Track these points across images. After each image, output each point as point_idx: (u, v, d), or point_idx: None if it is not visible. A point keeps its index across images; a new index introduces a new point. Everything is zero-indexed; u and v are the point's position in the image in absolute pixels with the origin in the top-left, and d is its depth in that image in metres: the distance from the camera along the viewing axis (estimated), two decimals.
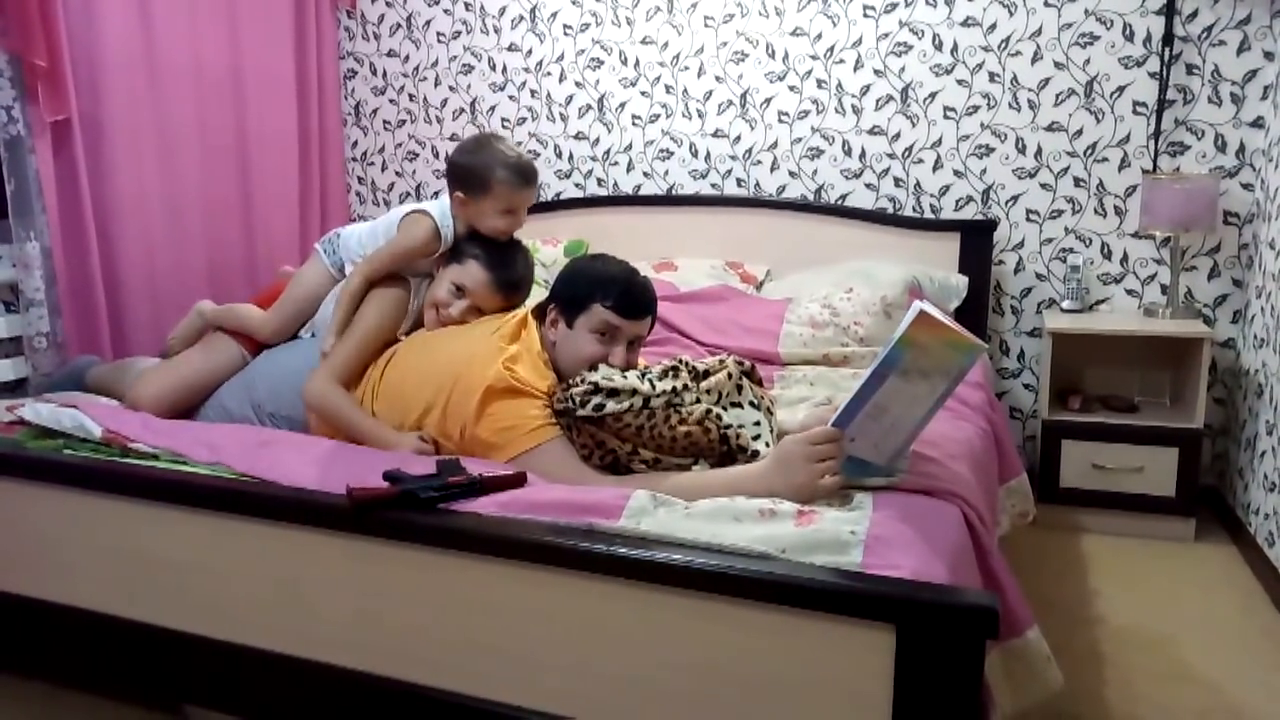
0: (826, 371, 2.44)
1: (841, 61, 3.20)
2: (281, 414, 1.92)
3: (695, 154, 3.43)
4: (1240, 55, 2.82)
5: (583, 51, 3.51)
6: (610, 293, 1.67)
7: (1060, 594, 2.40)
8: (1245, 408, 2.79)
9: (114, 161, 2.86)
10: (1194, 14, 2.84)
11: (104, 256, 2.83)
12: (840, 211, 3.20)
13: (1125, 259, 3.03)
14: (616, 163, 3.54)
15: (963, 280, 2.98)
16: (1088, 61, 2.96)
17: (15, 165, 2.56)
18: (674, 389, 1.54)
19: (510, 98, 3.64)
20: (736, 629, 1.23)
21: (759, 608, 1.21)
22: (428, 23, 3.70)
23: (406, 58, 3.77)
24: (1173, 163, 2.93)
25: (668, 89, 3.43)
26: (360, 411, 1.78)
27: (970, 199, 3.15)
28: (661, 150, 3.47)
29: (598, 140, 3.55)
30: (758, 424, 1.60)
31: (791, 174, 3.32)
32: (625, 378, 1.54)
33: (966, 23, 3.06)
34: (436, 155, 3.79)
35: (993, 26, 3.03)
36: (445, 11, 3.67)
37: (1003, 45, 3.03)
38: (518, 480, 1.48)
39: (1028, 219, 3.10)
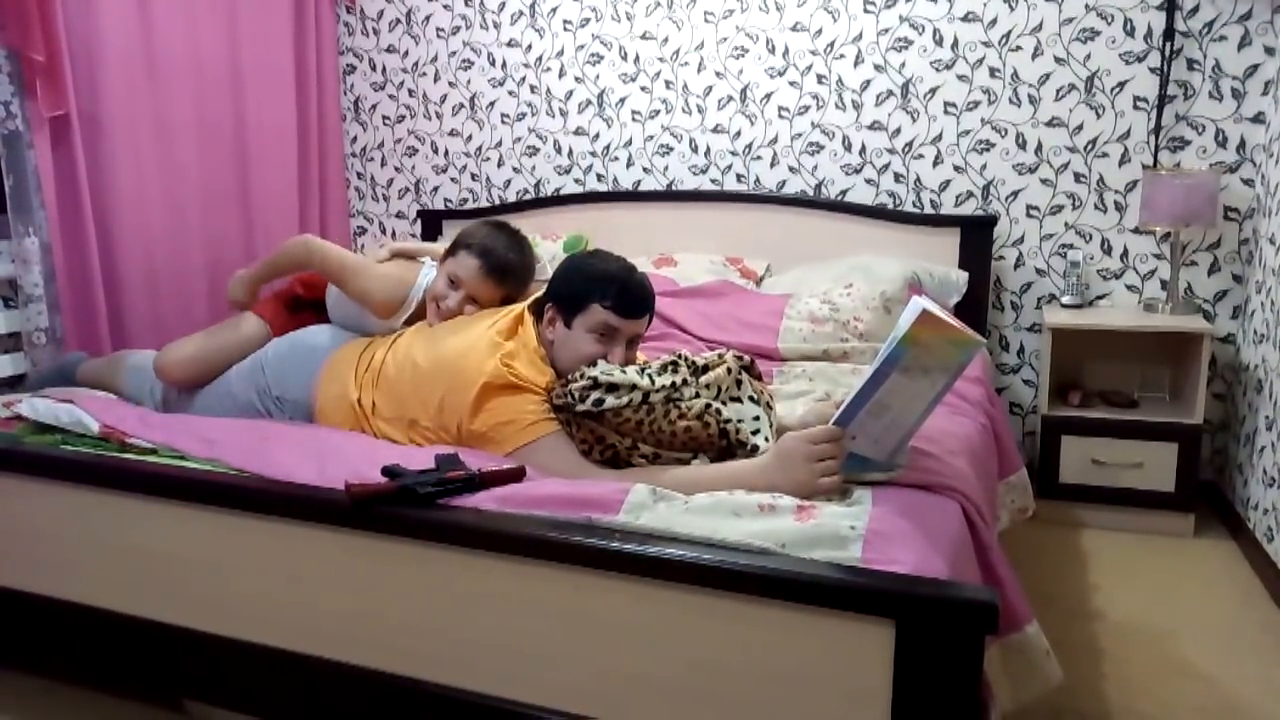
0: (826, 367, 2.44)
1: (842, 57, 3.20)
2: (288, 398, 1.92)
3: (695, 149, 3.43)
4: (1241, 50, 2.81)
5: (582, 47, 3.50)
6: (609, 292, 1.67)
7: (1059, 589, 2.40)
8: (1245, 403, 2.79)
9: (113, 157, 2.85)
10: (1195, 9, 2.83)
11: (103, 252, 2.83)
12: (840, 207, 3.20)
13: (1125, 254, 3.03)
14: (616, 158, 3.53)
15: (963, 276, 2.97)
16: (1088, 57, 2.95)
17: (14, 161, 2.56)
18: (673, 384, 1.54)
19: (510, 93, 3.63)
20: (736, 624, 1.23)
21: (758, 603, 1.21)
22: (427, 18, 3.70)
23: (406, 53, 3.76)
24: (1173, 158, 2.92)
25: (668, 84, 3.42)
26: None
27: (970, 194, 3.14)
28: (661, 146, 3.47)
29: (598, 136, 3.54)
30: (757, 419, 1.59)
31: (791, 169, 3.32)
32: (625, 373, 1.54)
33: (967, 18, 3.05)
34: (436, 151, 3.78)
35: (993, 21, 3.03)
36: (445, 7, 3.66)
37: (1003, 40, 3.03)
38: (516, 475, 1.47)
39: (1028, 214, 3.10)
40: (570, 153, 3.59)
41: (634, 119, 3.48)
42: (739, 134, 3.36)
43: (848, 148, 3.24)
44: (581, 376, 1.55)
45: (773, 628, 1.21)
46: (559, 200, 3.52)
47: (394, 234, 3.90)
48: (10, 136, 2.55)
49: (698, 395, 1.56)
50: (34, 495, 1.71)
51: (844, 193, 3.27)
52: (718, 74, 3.35)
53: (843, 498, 1.42)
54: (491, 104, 3.67)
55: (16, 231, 2.57)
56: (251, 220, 3.38)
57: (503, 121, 3.66)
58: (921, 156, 3.17)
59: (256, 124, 3.37)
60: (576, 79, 3.53)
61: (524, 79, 3.60)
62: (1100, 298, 3.07)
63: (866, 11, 3.14)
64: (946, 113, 3.12)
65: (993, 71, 3.05)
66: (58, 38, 2.57)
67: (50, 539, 1.72)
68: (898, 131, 3.18)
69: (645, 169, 3.50)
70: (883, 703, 1.16)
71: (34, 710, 1.86)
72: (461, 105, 3.71)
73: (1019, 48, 3.02)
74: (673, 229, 3.37)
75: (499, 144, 3.68)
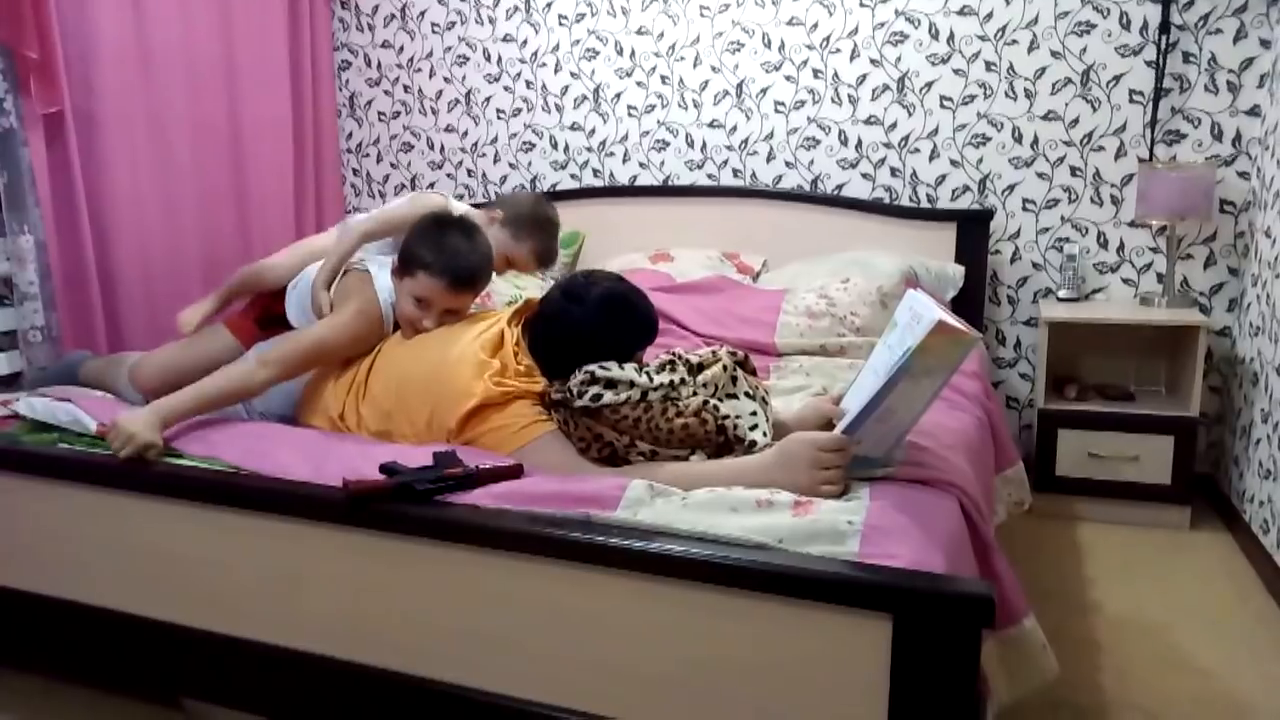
0: (823, 362, 2.44)
1: (838, 51, 3.20)
2: (272, 413, 1.93)
3: (691, 144, 3.42)
4: (1237, 43, 2.81)
5: (578, 42, 3.49)
6: (648, 335, 1.66)
7: (1056, 582, 2.41)
8: (1240, 396, 2.80)
9: (107, 154, 2.84)
10: (1190, 2, 2.83)
11: (98, 249, 2.83)
12: (837, 202, 3.20)
13: (1121, 248, 3.03)
14: (612, 154, 3.53)
15: (959, 270, 2.98)
16: (1084, 50, 2.95)
17: (8, 158, 2.55)
18: (671, 382, 1.54)
19: (505, 89, 3.63)
20: (733, 619, 1.23)
21: (756, 598, 1.21)
22: (422, 13, 3.69)
23: (401, 49, 3.75)
24: (1169, 151, 2.93)
25: (663, 79, 3.41)
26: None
27: (967, 188, 3.14)
28: (657, 141, 3.46)
29: (593, 131, 3.54)
30: (754, 414, 1.59)
31: (788, 164, 3.32)
32: (623, 369, 1.54)
33: (963, 11, 3.05)
34: (431, 147, 3.77)
35: (989, 15, 3.02)
36: (439, 2, 3.65)
37: (999, 34, 3.03)
38: (514, 472, 1.47)
39: (1024, 208, 3.10)
40: (566, 148, 3.59)
41: (630, 114, 3.48)
42: (735, 129, 3.36)
43: (844, 142, 3.24)
44: (580, 371, 1.55)
45: (770, 622, 1.21)
46: (555, 196, 3.51)
47: None
48: (4, 134, 2.54)
49: (695, 393, 1.56)
50: (31, 494, 1.71)
51: (840, 187, 3.27)
52: (714, 69, 3.35)
53: (840, 495, 1.42)
54: (487, 99, 3.66)
55: (11, 229, 2.56)
56: (247, 217, 3.37)
57: (498, 117, 3.65)
58: (918, 151, 3.17)
59: (252, 120, 3.36)
60: (572, 74, 3.52)
61: (519, 74, 3.60)
62: (1096, 291, 3.08)
63: (862, 6, 3.14)
64: (942, 107, 3.12)
65: (989, 65, 3.05)
66: (52, 34, 2.56)
67: (47, 537, 1.72)
68: (894, 126, 3.18)
69: (641, 164, 3.50)
70: (880, 697, 1.17)
71: (33, 709, 1.86)
72: (457, 101, 3.71)
73: (1015, 41, 3.01)
74: (669, 224, 3.37)
75: (495, 139, 3.68)
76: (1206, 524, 2.81)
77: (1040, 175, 3.06)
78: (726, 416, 1.55)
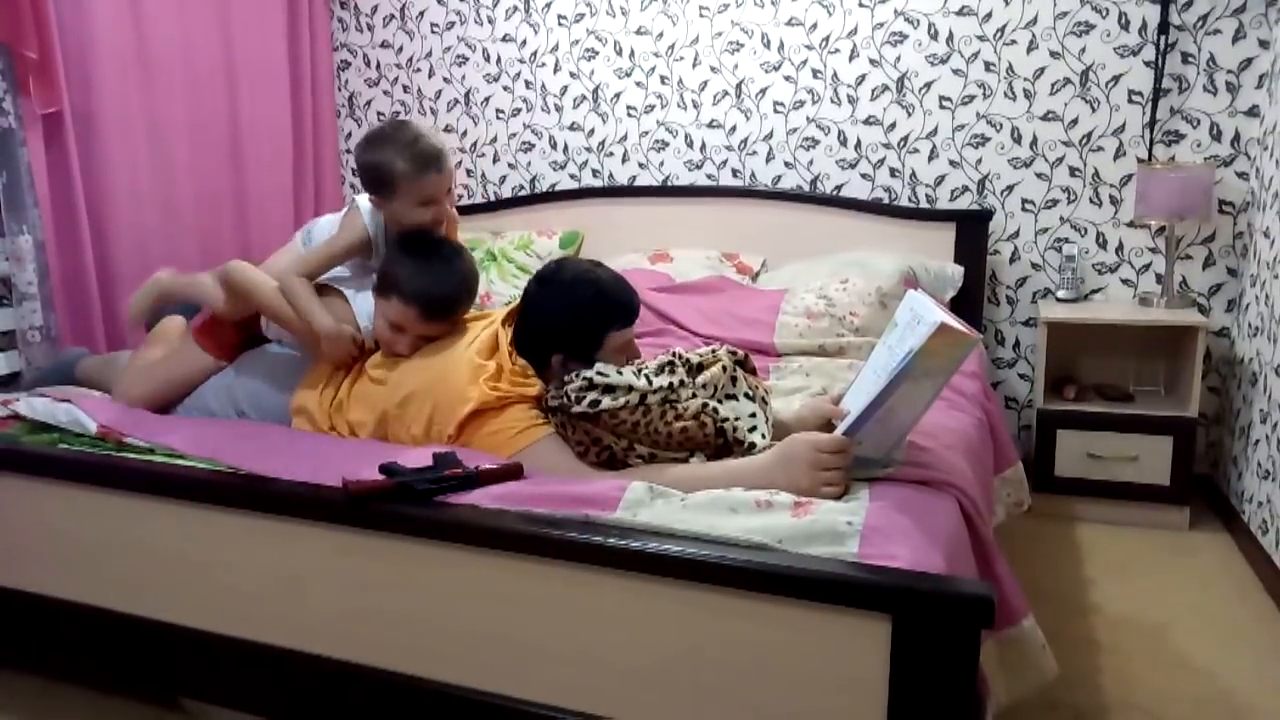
0: (822, 362, 2.44)
1: (837, 51, 3.20)
2: (268, 422, 1.90)
3: (690, 145, 3.42)
4: (1235, 44, 2.82)
5: (577, 42, 3.49)
6: (614, 316, 1.65)
7: (1055, 583, 2.41)
8: (1239, 396, 2.80)
9: (106, 154, 2.84)
10: (1189, 2, 2.83)
11: (97, 249, 2.82)
12: (836, 202, 3.20)
13: (1120, 248, 3.03)
14: (612, 154, 3.53)
15: (958, 270, 2.98)
16: (1083, 50, 2.96)
17: (6, 158, 2.55)
18: (670, 385, 1.53)
19: (505, 89, 3.62)
20: (733, 620, 1.23)
21: (755, 598, 1.21)
22: (421, 13, 3.69)
23: (400, 49, 3.75)
24: (1168, 152, 2.93)
25: (663, 79, 3.41)
26: (315, 302, 1.81)
27: (966, 189, 3.14)
28: (657, 141, 3.46)
29: (593, 131, 3.54)
30: (753, 415, 1.59)
31: (787, 164, 3.32)
32: (621, 374, 1.53)
33: (962, 12, 3.05)
34: None
35: (988, 15, 3.03)
36: (439, 2, 3.65)
37: (998, 34, 3.03)
38: (514, 472, 1.47)
39: (1023, 209, 3.10)
40: (565, 148, 3.59)
41: (629, 114, 3.48)
42: (734, 129, 3.36)
43: (843, 142, 3.24)
44: (578, 377, 1.54)
45: (770, 623, 1.21)
46: (554, 196, 3.52)
47: None
48: (3, 134, 2.54)
49: (694, 396, 1.56)
50: (31, 494, 1.71)
51: (839, 188, 3.27)
52: (713, 69, 3.35)
53: (840, 496, 1.42)
54: (486, 100, 3.66)
55: (10, 229, 2.56)
56: (246, 217, 3.37)
57: (497, 117, 3.65)
58: (917, 151, 3.17)
59: (251, 120, 3.36)
60: (571, 74, 3.52)
61: (519, 74, 3.60)
62: (1095, 292, 3.08)
63: (861, 6, 3.14)
64: (942, 107, 3.12)
65: (988, 66, 3.05)
66: (50, 34, 2.56)
67: (47, 538, 1.72)
68: (893, 126, 3.18)
69: (641, 164, 3.50)
70: (879, 697, 1.17)
71: (31, 709, 1.86)
72: (456, 101, 3.70)
73: (1014, 42, 3.02)
74: (668, 225, 3.37)
75: (494, 140, 3.68)
76: (1205, 524, 2.81)
77: (1039, 176, 3.06)
78: (726, 419, 1.55)
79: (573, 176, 3.60)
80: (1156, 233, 2.99)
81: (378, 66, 3.80)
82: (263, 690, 1.56)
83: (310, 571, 1.49)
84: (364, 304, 1.88)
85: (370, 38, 3.79)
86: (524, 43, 3.57)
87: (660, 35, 3.39)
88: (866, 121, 3.20)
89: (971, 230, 3.04)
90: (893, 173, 3.21)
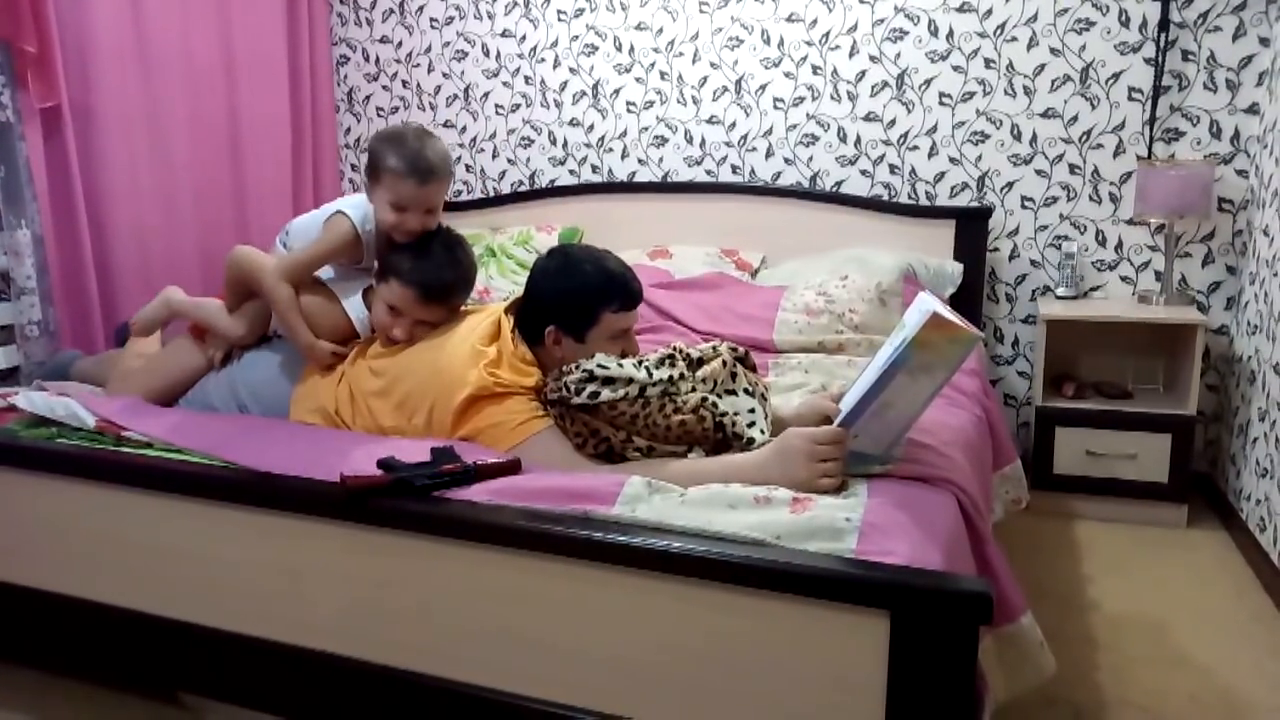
0: (822, 359, 2.44)
1: (837, 47, 3.19)
2: (269, 416, 1.91)
3: (690, 141, 3.42)
4: (1236, 41, 2.81)
5: (577, 37, 3.49)
6: (612, 296, 1.66)
7: (1053, 580, 2.41)
8: (1238, 394, 2.80)
9: (105, 148, 2.84)
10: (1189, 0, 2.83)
11: (96, 244, 2.82)
12: (835, 198, 3.20)
13: (1120, 246, 3.03)
14: (611, 149, 3.52)
15: (958, 267, 2.98)
16: (1083, 47, 2.95)
17: (5, 152, 2.55)
18: (670, 378, 1.54)
19: (504, 84, 3.62)
20: (731, 615, 1.23)
21: (753, 594, 1.21)
22: (420, 8, 3.68)
23: (399, 44, 3.74)
24: (1167, 149, 2.93)
25: (662, 75, 3.41)
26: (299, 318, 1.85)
27: (965, 186, 3.14)
28: (656, 137, 3.46)
29: (592, 127, 3.53)
30: (752, 411, 1.59)
31: (787, 161, 3.32)
32: (621, 366, 1.53)
33: (962, 8, 3.05)
34: None
35: (988, 12, 3.02)
36: None
37: (998, 31, 3.02)
38: (512, 467, 1.47)
39: (1023, 206, 3.10)
40: (565, 144, 3.58)
41: (629, 110, 3.47)
42: (734, 125, 3.36)
43: (843, 139, 3.24)
44: (577, 368, 1.54)
45: (768, 619, 1.21)
46: (554, 192, 3.51)
47: None
48: (1, 128, 2.53)
49: (694, 389, 1.56)
50: (30, 489, 1.71)
51: (839, 184, 3.27)
52: (713, 65, 3.34)
53: (838, 490, 1.42)
54: (485, 95, 3.65)
55: (8, 223, 2.56)
56: (245, 212, 3.37)
57: (497, 112, 3.65)
58: (917, 148, 3.17)
59: (249, 115, 3.35)
60: (571, 70, 3.52)
61: (518, 70, 3.59)
62: (1095, 289, 3.08)
63: (861, 2, 3.14)
64: (941, 104, 3.11)
65: (988, 62, 3.05)
66: (49, 29, 2.55)
67: (46, 533, 1.72)
68: (893, 123, 3.17)
69: (640, 160, 3.49)
70: (878, 694, 1.17)
71: (31, 704, 1.86)
72: (455, 96, 3.70)
73: (1014, 38, 3.01)
74: (668, 221, 3.36)
75: (493, 135, 3.67)
76: (1203, 522, 2.81)
77: (1039, 173, 3.06)
78: (725, 414, 1.55)
79: (572, 172, 3.59)
80: (1156, 230, 2.99)
81: (377, 61, 3.79)
82: (262, 685, 1.56)
83: (308, 566, 1.49)
84: (355, 304, 1.91)
85: (369, 32, 3.78)
86: (523, 38, 3.56)
87: (660, 31, 3.38)
88: (866, 118, 3.20)
89: (971, 227, 3.04)
90: (892, 169, 3.20)
